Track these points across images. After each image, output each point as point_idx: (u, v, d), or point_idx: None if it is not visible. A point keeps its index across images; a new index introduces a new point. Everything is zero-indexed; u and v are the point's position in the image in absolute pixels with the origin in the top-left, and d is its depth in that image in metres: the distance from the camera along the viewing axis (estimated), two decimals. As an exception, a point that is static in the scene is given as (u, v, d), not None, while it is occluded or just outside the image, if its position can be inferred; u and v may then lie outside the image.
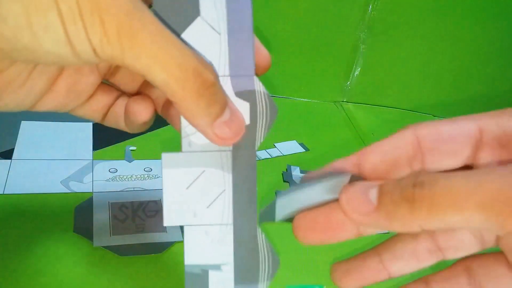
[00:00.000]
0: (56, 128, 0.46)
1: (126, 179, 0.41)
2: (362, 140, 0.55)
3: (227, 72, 0.20)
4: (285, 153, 0.49)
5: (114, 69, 0.24)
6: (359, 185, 0.19)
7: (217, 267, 0.22)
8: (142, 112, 0.23)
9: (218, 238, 0.22)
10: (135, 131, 0.25)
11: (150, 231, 0.36)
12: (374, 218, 0.18)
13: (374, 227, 0.19)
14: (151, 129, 0.50)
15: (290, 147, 0.51)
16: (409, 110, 0.64)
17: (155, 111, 0.24)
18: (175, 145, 0.50)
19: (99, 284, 0.31)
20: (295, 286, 0.34)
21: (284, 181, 0.45)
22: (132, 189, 0.40)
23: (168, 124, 0.55)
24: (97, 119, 0.25)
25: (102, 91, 0.24)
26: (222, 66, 0.20)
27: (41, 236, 0.34)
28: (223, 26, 0.20)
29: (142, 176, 0.42)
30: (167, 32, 0.18)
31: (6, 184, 0.38)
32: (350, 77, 0.62)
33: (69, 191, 0.38)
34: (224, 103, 0.20)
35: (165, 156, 0.21)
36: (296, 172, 0.46)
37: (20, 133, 0.44)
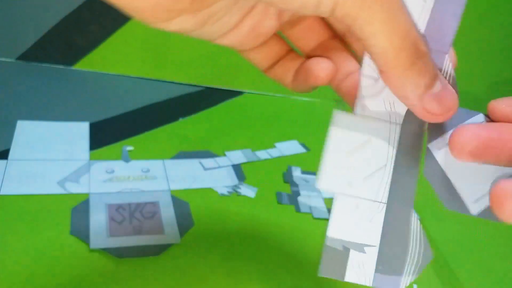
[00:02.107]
0: (52, 128, 0.46)
1: (123, 180, 0.41)
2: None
3: None
4: (285, 153, 0.49)
5: (295, 21, 0.25)
6: None
7: (360, 247, 0.20)
8: (324, 76, 0.23)
9: (367, 215, 0.20)
10: (301, 92, 0.26)
11: (148, 233, 0.35)
12: None
13: None
14: (148, 129, 0.50)
15: (291, 147, 0.50)
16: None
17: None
18: (174, 145, 0.50)
19: (96, 286, 0.31)
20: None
21: (285, 181, 0.45)
22: (130, 190, 0.40)
23: (166, 124, 0.55)
24: (263, 67, 0.26)
25: (276, 41, 0.25)
26: None
27: (37, 238, 0.34)
28: None
29: (139, 176, 0.41)
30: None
31: (2, 185, 0.38)
32: (351, 76, 0.62)
33: (66, 192, 0.38)
34: (435, 75, 0.19)
35: (337, 114, 0.20)
36: (296, 173, 0.46)
37: (16, 133, 0.44)
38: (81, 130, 0.46)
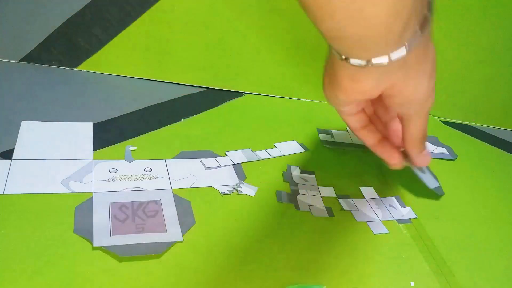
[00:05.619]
0: (56, 128, 0.46)
1: (126, 179, 0.41)
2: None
3: None
4: (285, 153, 0.49)
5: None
6: None
7: None
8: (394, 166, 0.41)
9: None
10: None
11: (150, 231, 0.36)
12: None
13: None
14: (151, 129, 0.50)
15: (290, 147, 0.51)
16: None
17: None
18: (176, 145, 0.50)
19: (99, 284, 0.31)
20: (295, 286, 0.34)
21: (284, 181, 0.45)
22: (132, 189, 0.40)
23: (168, 124, 0.55)
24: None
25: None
26: None
27: (41, 236, 0.34)
28: None
29: (142, 176, 0.42)
30: None
31: (6, 184, 0.38)
32: (350, 77, 0.62)
33: (69, 191, 0.38)
34: (425, 147, 0.39)
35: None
36: (296, 172, 0.46)
37: (20, 133, 0.44)
38: (85, 130, 0.46)
